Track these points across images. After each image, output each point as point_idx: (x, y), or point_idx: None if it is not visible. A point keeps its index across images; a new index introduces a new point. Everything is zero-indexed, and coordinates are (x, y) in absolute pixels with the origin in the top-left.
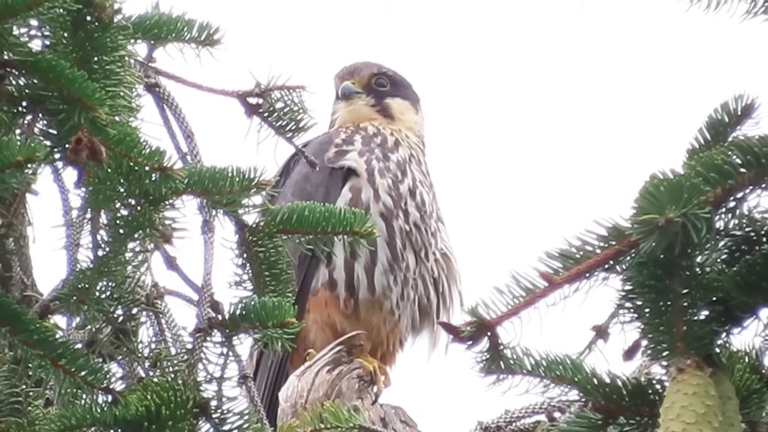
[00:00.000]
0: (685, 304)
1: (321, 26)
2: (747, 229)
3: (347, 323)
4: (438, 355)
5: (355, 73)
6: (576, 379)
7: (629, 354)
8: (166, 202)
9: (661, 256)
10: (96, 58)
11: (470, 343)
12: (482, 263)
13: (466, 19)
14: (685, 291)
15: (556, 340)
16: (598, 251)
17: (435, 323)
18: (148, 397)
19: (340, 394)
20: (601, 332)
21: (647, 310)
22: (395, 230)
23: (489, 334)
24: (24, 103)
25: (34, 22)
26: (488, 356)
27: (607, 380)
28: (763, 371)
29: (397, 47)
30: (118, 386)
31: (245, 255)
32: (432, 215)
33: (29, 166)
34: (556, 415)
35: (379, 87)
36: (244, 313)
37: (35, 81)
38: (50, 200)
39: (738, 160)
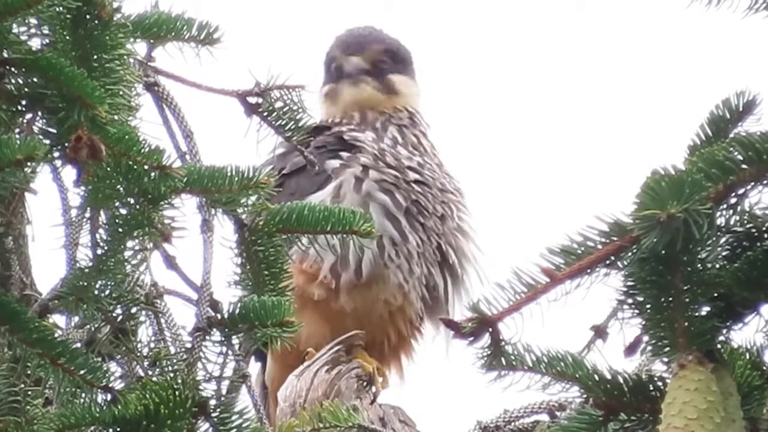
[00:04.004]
0: (687, 300)
1: (321, 26)
2: (748, 226)
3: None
4: (442, 351)
5: (365, 48)
6: (577, 376)
7: (630, 350)
8: (165, 201)
9: (663, 251)
10: (95, 57)
11: (471, 339)
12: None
13: (466, 19)
14: (686, 287)
15: (557, 336)
16: (600, 247)
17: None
18: (147, 396)
19: (339, 394)
20: (600, 332)
21: (648, 306)
22: (398, 198)
23: (490, 330)
24: (23, 102)
25: (33, 21)
26: (489, 352)
27: (608, 377)
28: (765, 368)
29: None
30: (117, 385)
31: (244, 254)
32: (443, 189)
33: (29, 164)
34: (558, 413)
35: (382, 64)
36: (243, 312)
37: (35, 79)
38: (49, 199)
39: (739, 157)
